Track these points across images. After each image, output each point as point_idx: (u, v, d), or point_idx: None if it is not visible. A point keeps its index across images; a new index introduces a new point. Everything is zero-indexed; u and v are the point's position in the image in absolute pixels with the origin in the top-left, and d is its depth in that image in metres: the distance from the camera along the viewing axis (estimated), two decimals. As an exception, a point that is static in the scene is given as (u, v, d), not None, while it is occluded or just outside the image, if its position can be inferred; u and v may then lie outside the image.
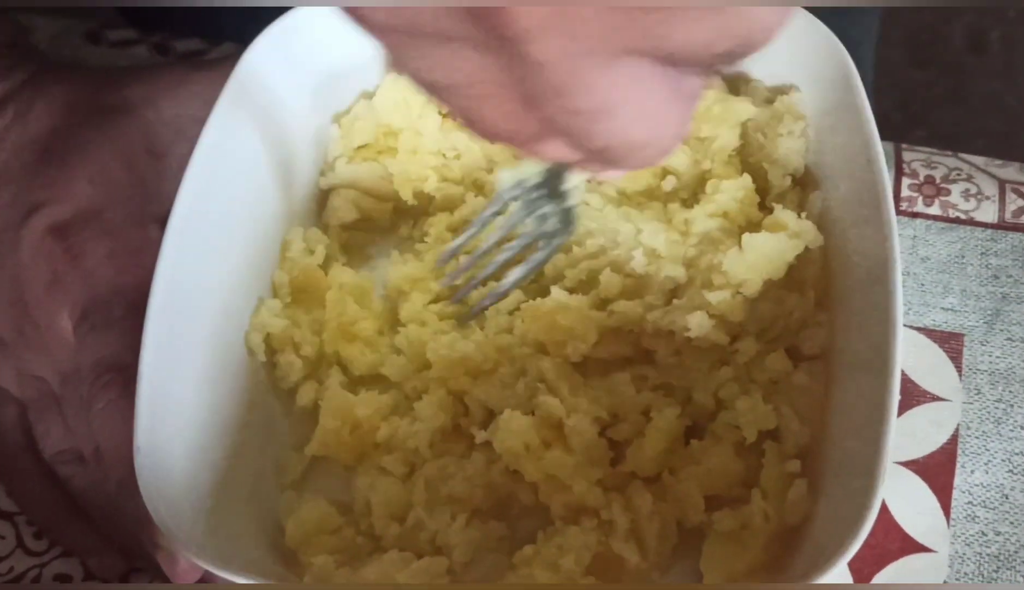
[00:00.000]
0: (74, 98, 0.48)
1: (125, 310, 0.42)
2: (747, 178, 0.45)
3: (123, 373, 0.40)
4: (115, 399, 0.42)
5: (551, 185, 0.42)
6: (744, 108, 0.46)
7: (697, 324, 0.41)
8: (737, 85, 0.47)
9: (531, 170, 0.43)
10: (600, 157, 0.24)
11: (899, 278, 0.39)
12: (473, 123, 0.25)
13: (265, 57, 0.45)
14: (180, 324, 0.41)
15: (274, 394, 0.46)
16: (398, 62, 0.23)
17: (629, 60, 0.22)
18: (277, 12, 0.46)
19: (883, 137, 0.50)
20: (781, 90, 0.46)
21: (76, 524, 0.45)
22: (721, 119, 0.46)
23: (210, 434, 0.42)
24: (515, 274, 0.44)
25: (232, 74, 0.44)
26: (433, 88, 0.24)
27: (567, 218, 0.43)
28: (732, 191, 0.45)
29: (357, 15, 0.22)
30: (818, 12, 0.45)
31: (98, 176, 0.46)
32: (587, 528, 0.40)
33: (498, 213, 0.44)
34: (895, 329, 0.38)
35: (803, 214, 0.44)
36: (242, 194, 0.44)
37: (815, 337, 0.43)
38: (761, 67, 0.47)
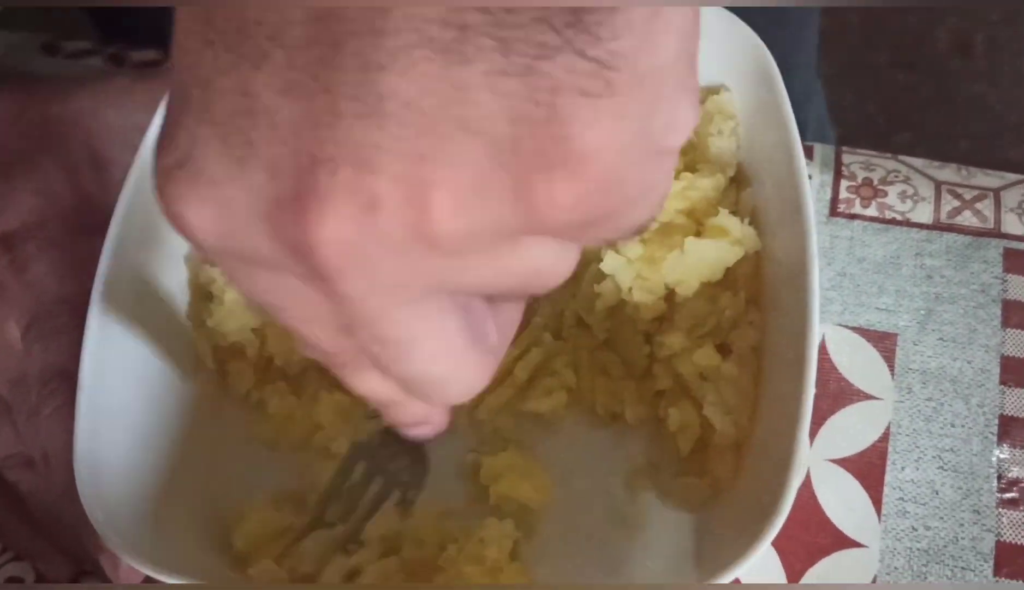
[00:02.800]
0: (19, 110, 0.49)
1: (70, 319, 0.43)
2: (719, 177, 0.46)
3: (69, 380, 0.41)
4: (61, 406, 0.43)
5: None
6: None
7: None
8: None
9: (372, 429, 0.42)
10: (411, 389, 0.26)
11: (816, 277, 0.40)
12: (300, 339, 0.26)
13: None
14: (120, 332, 0.42)
15: (224, 401, 0.47)
16: (230, 278, 0.25)
17: (432, 298, 0.24)
18: None
19: (867, 140, 0.51)
20: (711, 90, 0.47)
21: (24, 528, 0.46)
22: None
23: (153, 440, 0.43)
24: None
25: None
26: (261, 305, 0.25)
27: (420, 468, 0.42)
28: (703, 187, 0.46)
29: (186, 233, 0.23)
30: (753, 21, 0.46)
31: (42, 188, 0.47)
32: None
33: (346, 479, 0.43)
34: (812, 327, 0.39)
35: (745, 220, 0.45)
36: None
37: (745, 335, 0.44)
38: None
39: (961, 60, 1.51)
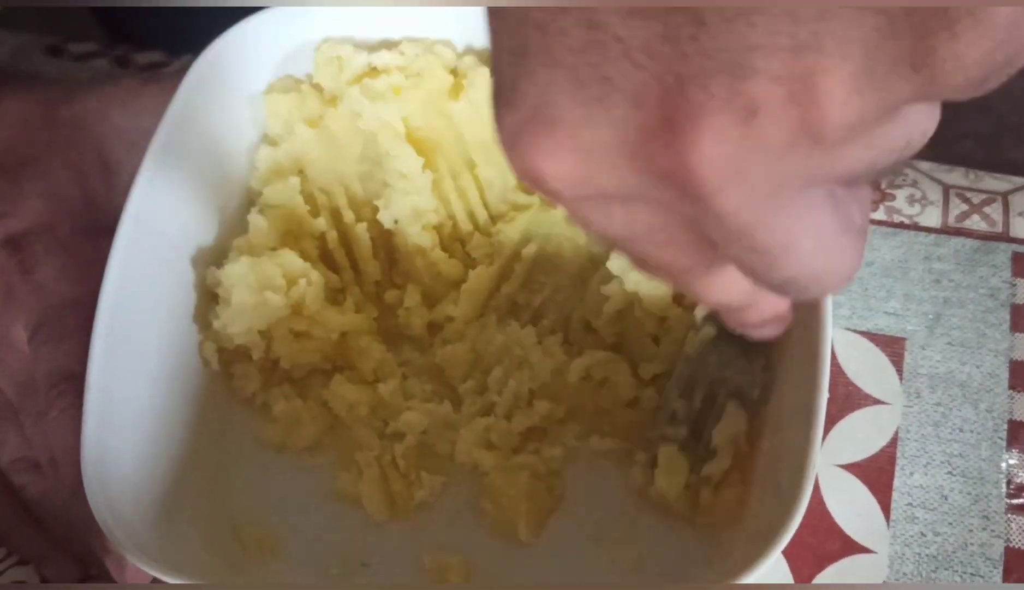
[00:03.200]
0: (28, 112, 0.49)
1: (78, 321, 0.43)
2: None
3: (77, 382, 0.41)
4: (68, 408, 0.43)
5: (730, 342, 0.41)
6: None
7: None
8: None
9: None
10: (783, 290, 0.25)
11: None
12: (648, 266, 0.25)
13: (212, 69, 0.46)
14: (128, 334, 0.42)
15: (231, 403, 0.47)
16: (575, 218, 0.24)
17: (804, 194, 0.22)
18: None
19: None
20: None
21: (30, 532, 0.46)
22: None
23: (160, 442, 0.43)
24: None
25: (179, 87, 0.45)
26: (609, 238, 0.24)
27: (758, 365, 0.42)
28: None
29: (544, 186, 0.22)
30: None
31: (51, 190, 0.47)
32: None
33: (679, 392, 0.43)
34: (826, 333, 0.39)
35: None
36: (189, 206, 0.45)
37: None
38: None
39: (963, 60, 1.51)
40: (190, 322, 0.45)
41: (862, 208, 0.25)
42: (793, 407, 0.40)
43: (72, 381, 0.42)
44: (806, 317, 0.40)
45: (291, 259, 0.45)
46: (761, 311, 0.29)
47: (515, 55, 0.22)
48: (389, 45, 0.48)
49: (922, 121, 0.22)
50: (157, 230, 0.43)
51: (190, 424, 0.45)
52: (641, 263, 0.25)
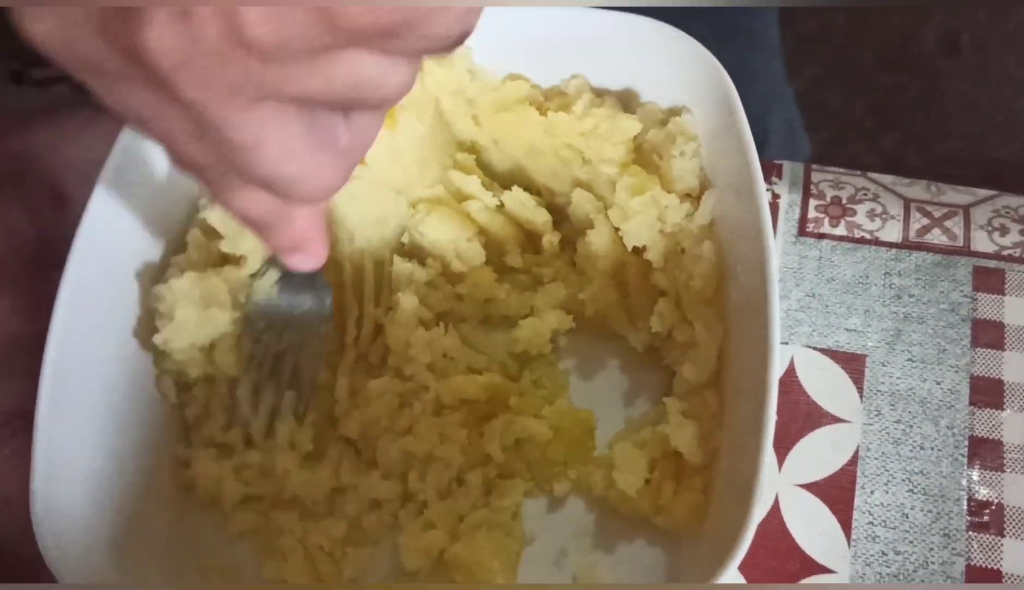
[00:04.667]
0: None
1: (29, 358, 0.43)
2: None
3: (29, 421, 0.41)
4: (21, 446, 0.42)
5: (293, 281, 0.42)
6: (631, 125, 0.46)
7: None
8: (631, 105, 0.48)
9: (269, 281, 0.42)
10: (269, 189, 0.28)
11: (776, 300, 0.40)
12: (172, 154, 0.29)
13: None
14: (78, 370, 0.42)
15: (186, 440, 0.46)
16: (97, 96, 0.27)
17: (269, 105, 0.26)
18: None
19: (855, 142, 0.50)
20: (674, 111, 0.47)
21: None
22: (607, 136, 0.46)
23: (114, 478, 0.43)
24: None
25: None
26: (127, 120, 0.28)
27: (321, 306, 0.42)
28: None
29: (35, 45, 0.26)
30: (700, 35, 0.45)
31: (1, 225, 0.47)
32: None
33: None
34: (773, 352, 0.39)
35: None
36: (139, 236, 0.45)
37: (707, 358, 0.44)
38: (652, 90, 0.47)
39: (948, 59, 1.51)
40: (143, 354, 0.45)
41: (358, 134, 0.29)
42: (746, 422, 0.40)
43: (23, 419, 0.42)
44: (757, 331, 0.40)
45: (236, 275, 0.44)
46: (285, 235, 0.32)
47: None
48: None
49: (373, 69, 0.26)
50: (107, 262, 0.43)
51: (147, 455, 0.44)
52: (170, 154, 0.28)
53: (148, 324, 0.45)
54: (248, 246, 0.44)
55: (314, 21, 0.24)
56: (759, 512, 0.38)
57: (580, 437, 0.45)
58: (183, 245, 0.45)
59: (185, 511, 0.45)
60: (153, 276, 0.45)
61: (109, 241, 0.43)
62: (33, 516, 0.38)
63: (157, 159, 0.45)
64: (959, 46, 1.50)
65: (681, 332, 0.45)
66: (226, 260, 0.45)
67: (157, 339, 0.43)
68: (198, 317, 0.43)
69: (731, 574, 0.37)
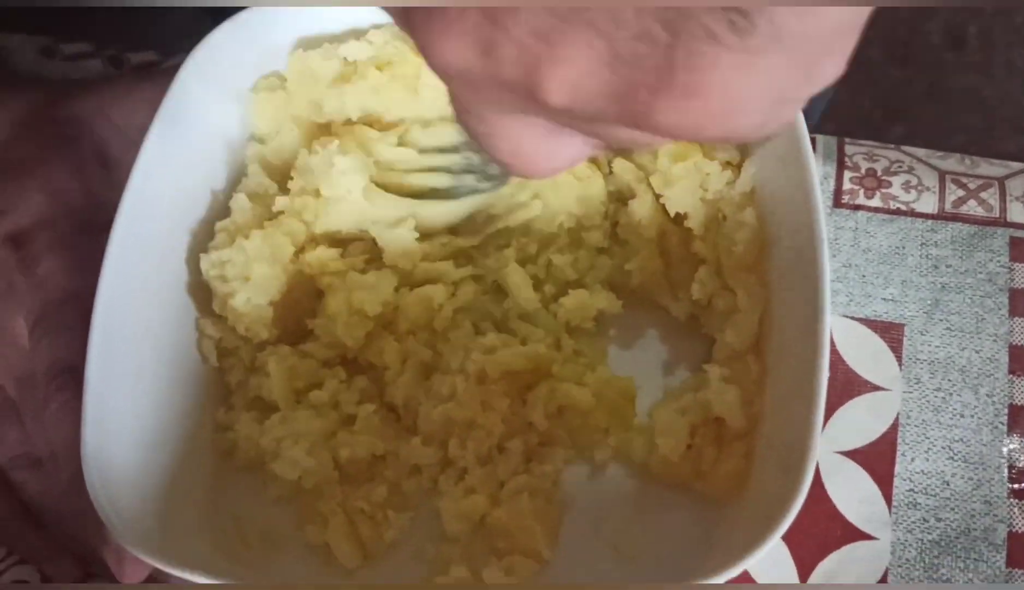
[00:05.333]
0: (29, 111, 0.50)
1: (78, 315, 0.43)
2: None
3: (77, 375, 0.41)
4: (69, 400, 0.42)
5: None
6: None
7: None
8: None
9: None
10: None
11: (827, 262, 0.40)
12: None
13: (204, 65, 0.46)
14: (125, 327, 0.42)
15: (226, 397, 0.46)
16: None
17: (521, 116, 0.27)
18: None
19: (862, 135, 0.51)
20: None
21: (29, 530, 0.46)
22: None
23: (159, 434, 0.43)
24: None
25: (172, 83, 0.45)
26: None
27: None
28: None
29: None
30: None
31: (52, 187, 0.47)
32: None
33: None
34: (824, 315, 0.39)
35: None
36: (183, 199, 0.45)
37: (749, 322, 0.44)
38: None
39: (954, 53, 1.51)
40: (186, 316, 0.45)
41: (580, 142, 0.28)
42: (793, 388, 0.40)
43: (72, 374, 0.42)
44: (804, 296, 0.40)
45: (296, 226, 0.44)
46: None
47: None
48: (357, 34, 0.48)
49: (635, 138, 0.26)
50: (153, 224, 0.43)
51: (189, 416, 0.44)
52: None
53: (195, 288, 0.45)
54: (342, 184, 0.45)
55: (612, 108, 0.24)
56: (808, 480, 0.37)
57: (621, 404, 0.46)
58: (227, 211, 0.45)
59: (225, 474, 0.45)
60: (199, 240, 0.45)
61: (154, 204, 0.43)
62: (84, 470, 0.38)
63: (198, 124, 0.45)
64: (965, 40, 1.51)
65: (722, 299, 0.45)
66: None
67: (236, 302, 0.43)
68: (272, 274, 0.43)
69: (775, 540, 0.37)
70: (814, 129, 0.58)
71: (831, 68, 0.25)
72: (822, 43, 0.24)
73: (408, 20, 0.25)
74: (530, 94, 0.24)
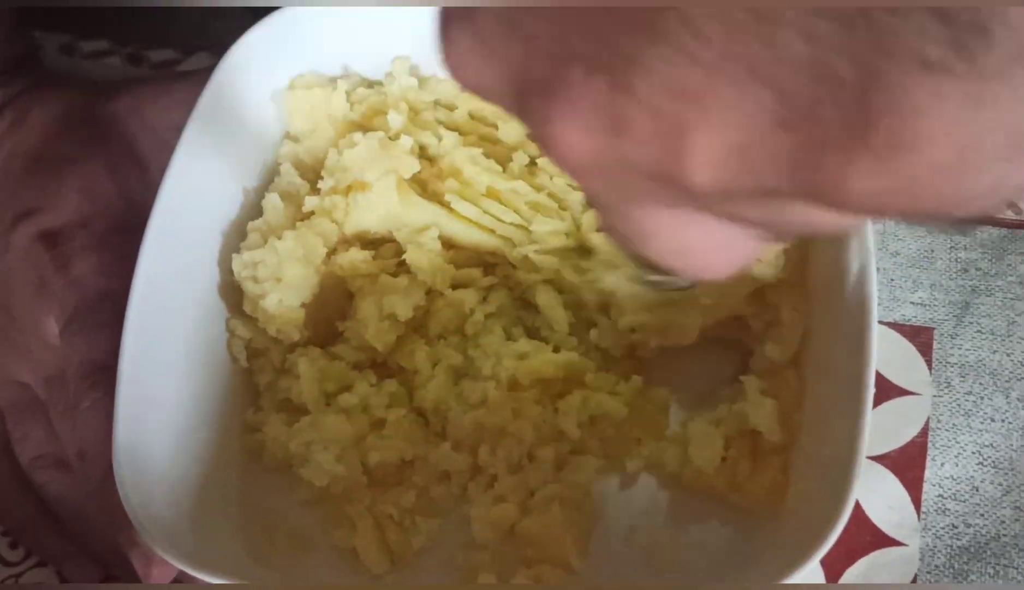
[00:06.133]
0: (66, 109, 0.50)
1: (112, 314, 0.43)
2: None
3: (109, 374, 0.41)
4: (101, 398, 0.42)
5: None
6: None
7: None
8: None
9: None
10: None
11: (874, 281, 0.39)
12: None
13: (239, 66, 0.46)
14: (159, 328, 0.42)
15: (257, 401, 0.46)
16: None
17: (670, 207, 0.22)
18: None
19: None
20: None
21: (50, 531, 0.46)
22: None
23: (190, 435, 0.43)
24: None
25: (208, 83, 0.44)
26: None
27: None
28: None
29: (454, 73, 0.22)
30: None
31: (87, 186, 0.47)
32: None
33: None
34: (871, 328, 0.38)
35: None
36: (217, 200, 0.45)
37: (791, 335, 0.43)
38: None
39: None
40: (217, 316, 0.45)
41: (760, 236, 0.23)
42: (836, 402, 0.39)
43: (105, 373, 0.42)
44: (850, 307, 0.39)
45: (328, 227, 0.44)
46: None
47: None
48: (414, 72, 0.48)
49: (814, 219, 0.20)
50: (186, 225, 0.43)
51: (219, 416, 0.44)
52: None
53: (227, 289, 0.45)
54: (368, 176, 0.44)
55: (786, 181, 0.18)
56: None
57: (654, 414, 0.45)
58: (259, 211, 0.45)
59: (254, 474, 0.45)
60: (232, 242, 0.45)
61: (188, 204, 0.43)
62: (116, 470, 0.38)
63: (233, 125, 0.45)
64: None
65: (762, 313, 0.44)
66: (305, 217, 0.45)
67: (268, 303, 0.43)
68: (304, 275, 0.43)
69: (817, 559, 0.37)
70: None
71: None
72: None
73: (521, 105, 0.21)
74: (669, 177, 0.19)
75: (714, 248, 0.22)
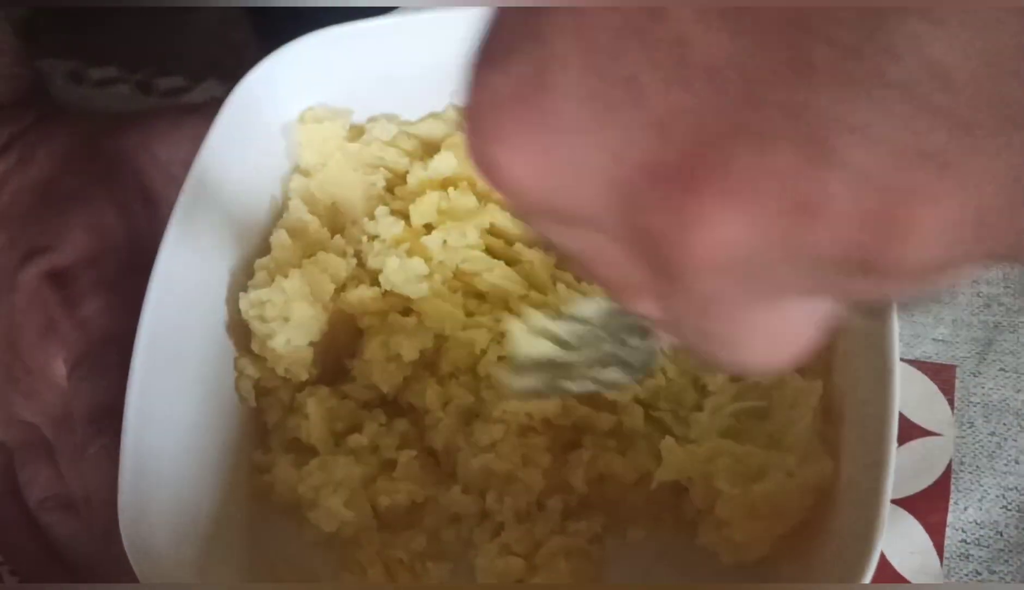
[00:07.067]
0: (73, 144, 0.49)
1: (120, 356, 0.42)
2: None
3: (116, 418, 0.40)
4: (108, 444, 0.42)
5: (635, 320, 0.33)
6: None
7: None
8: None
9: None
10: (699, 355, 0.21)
11: (895, 315, 0.38)
12: (588, 276, 0.21)
13: (248, 99, 0.45)
14: (166, 368, 0.41)
15: (265, 441, 0.45)
16: (528, 223, 0.20)
17: (794, 299, 0.18)
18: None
19: None
20: None
21: (58, 572, 0.45)
22: None
23: (197, 476, 0.42)
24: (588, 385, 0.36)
25: (216, 118, 0.44)
26: (551, 244, 0.20)
27: (649, 355, 0.35)
28: None
29: (497, 181, 0.18)
30: None
31: (95, 224, 0.46)
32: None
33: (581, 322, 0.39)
34: (892, 368, 0.37)
35: None
36: (225, 239, 0.44)
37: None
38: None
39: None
40: (226, 356, 0.44)
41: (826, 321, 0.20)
42: (857, 448, 0.38)
43: (112, 417, 0.41)
44: (871, 354, 0.38)
45: (334, 261, 0.43)
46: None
47: (527, 12, 0.16)
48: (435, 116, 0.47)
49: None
50: (194, 263, 0.42)
51: (227, 457, 0.44)
52: (582, 272, 0.21)
53: (234, 327, 0.44)
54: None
55: (1002, 251, 0.16)
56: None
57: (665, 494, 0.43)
58: (267, 247, 0.44)
59: (262, 515, 0.44)
60: (242, 281, 0.44)
61: (196, 242, 0.42)
62: (120, 516, 0.38)
63: (242, 159, 0.44)
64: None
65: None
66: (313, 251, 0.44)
67: (276, 343, 0.42)
68: (312, 313, 0.42)
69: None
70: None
71: None
72: None
73: (635, 208, 0.16)
74: (868, 259, 0.15)
75: (800, 336, 0.19)
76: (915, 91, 0.14)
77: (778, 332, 0.19)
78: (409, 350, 0.42)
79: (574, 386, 0.34)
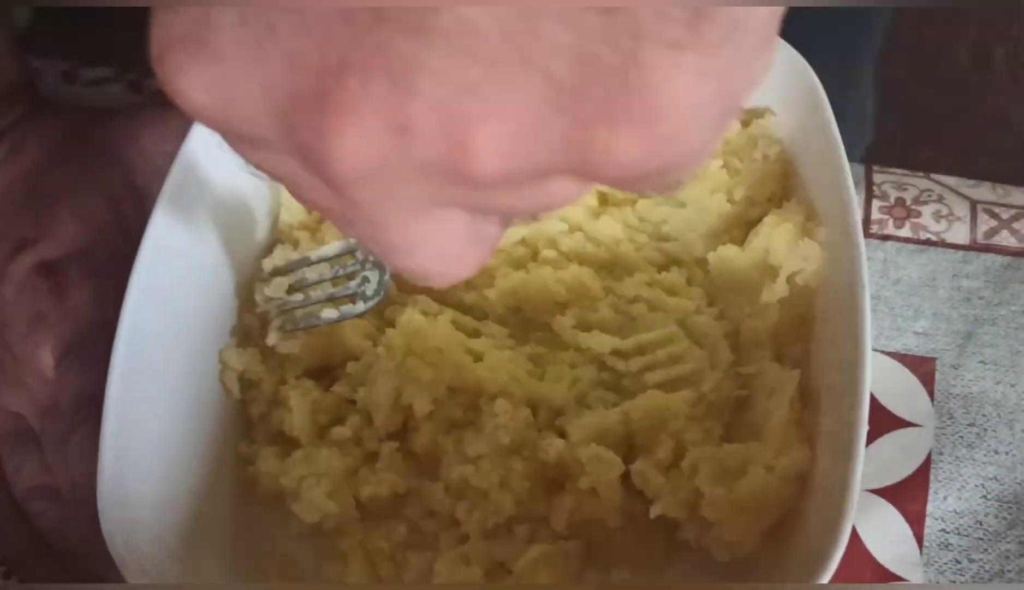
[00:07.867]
0: (62, 137, 0.50)
1: (107, 346, 0.43)
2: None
3: (101, 407, 0.41)
4: (93, 433, 0.42)
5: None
6: None
7: None
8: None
9: None
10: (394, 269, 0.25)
11: (867, 303, 0.39)
12: (301, 199, 0.25)
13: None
14: (149, 358, 0.41)
15: (248, 431, 0.46)
16: (229, 145, 0.23)
17: (447, 211, 0.23)
18: None
19: (889, 158, 0.50)
20: (756, 113, 0.46)
21: (45, 562, 0.45)
22: None
23: (180, 467, 0.42)
24: (329, 315, 0.42)
25: None
26: (268, 176, 0.24)
27: (381, 284, 0.42)
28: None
29: (187, 109, 0.22)
30: (812, 40, 0.44)
31: (84, 216, 0.47)
32: None
33: (331, 258, 0.43)
34: (864, 356, 0.37)
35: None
36: (210, 231, 0.45)
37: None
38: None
39: (981, 74, 1.50)
40: (210, 347, 0.45)
41: (497, 223, 0.25)
42: (828, 437, 0.38)
43: (97, 406, 0.42)
44: (841, 337, 0.39)
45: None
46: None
47: None
48: None
49: (573, 191, 0.22)
50: (178, 253, 0.43)
51: (211, 449, 0.44)
52: (295, 194, 0.25)
53: (218, 319, 0.44)
54: None
55: (561, 159, 0.20)
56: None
57: (648, 530, 0.43)
58: (268, 250, 0.45)
59: (247, 508, 0.44)
60: (226, 272, 0.45)
61: (180, 233, 0.43)
62: (100, 506, 0.38)
63: (227, 150, 0.45)
64: (992, 61, 1.49)
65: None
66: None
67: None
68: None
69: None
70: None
71: (767, 61, 0.21)
72: (765, 29, 0.21)
73: (286, 123, 0.21)
74: (456, 170, 0.20)
75: (466, 250, 0.24)
76: (451, 38, 0.19)
77: (443, 243, 0.23)
78: (421, 401, 0.43)
79: (320, 318, 0.42)
